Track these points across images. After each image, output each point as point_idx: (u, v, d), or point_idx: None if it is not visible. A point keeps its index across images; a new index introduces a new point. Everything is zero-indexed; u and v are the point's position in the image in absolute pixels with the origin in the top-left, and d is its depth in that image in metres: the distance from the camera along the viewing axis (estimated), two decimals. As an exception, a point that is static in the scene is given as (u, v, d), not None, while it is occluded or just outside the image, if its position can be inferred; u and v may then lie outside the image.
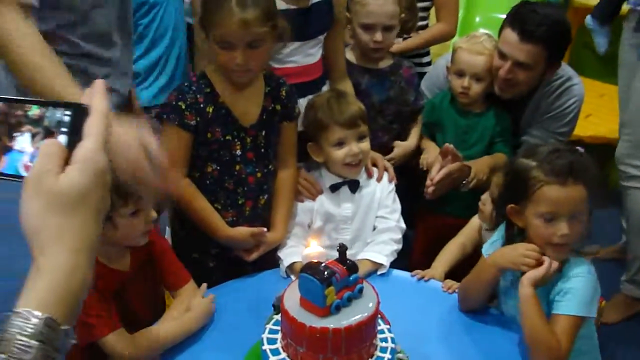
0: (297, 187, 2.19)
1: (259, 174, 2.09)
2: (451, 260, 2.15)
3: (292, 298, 1.60)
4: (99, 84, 0.79)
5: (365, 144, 2.16)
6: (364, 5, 2.43)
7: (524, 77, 2.41)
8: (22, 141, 0.79)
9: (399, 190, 2.31)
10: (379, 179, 2.26)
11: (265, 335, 1.59)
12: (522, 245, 1.73)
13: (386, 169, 2.30)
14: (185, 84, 2.01)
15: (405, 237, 2.25)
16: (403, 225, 2.24)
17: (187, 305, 1.84)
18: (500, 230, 1.86)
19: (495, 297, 1.92)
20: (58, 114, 0.78)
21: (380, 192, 2.24)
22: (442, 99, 2.63)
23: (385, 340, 1.60)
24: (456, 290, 1.97)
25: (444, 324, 1.89)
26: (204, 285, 1.92)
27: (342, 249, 1.63)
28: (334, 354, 1.50)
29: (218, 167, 2.03)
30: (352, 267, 1.62)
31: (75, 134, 0.75)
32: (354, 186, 2.20)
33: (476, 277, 1.86)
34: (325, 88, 2.38)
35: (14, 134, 0.79)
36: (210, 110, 1.97)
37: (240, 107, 2.02)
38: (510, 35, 2.38)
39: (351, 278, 1.60)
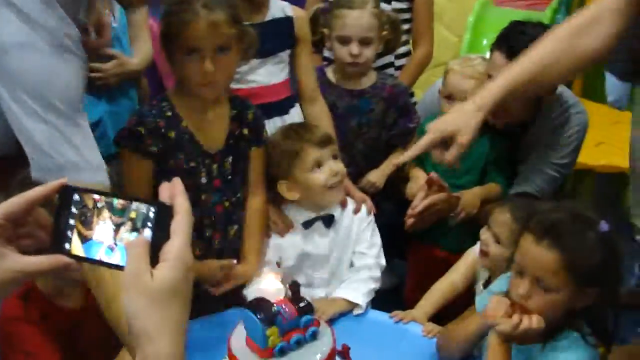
0: (267, 216, 2.06)
1: (226, 203, 1.95)
2: (439, 301, 1.99)
3: (241, 336, 1.50)
4: (178, 184, 0.87)
5: (341, 164, 2.04)
6: (341, 17, 2.36)
7: (516, 105, 2.20)
8: (102, 230, 0.86)
9: (388, 217, 2.18)
10: (356, 211, 2.11)
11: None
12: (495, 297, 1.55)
13: (364, 200, 2.15)
14: (145, 107, 1.89)
15: (399, 268, 2.10)
16: (383, 262, 2.10)
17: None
18: (501, 280, 1.66)
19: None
20: (143, 209, 0.84)
21: (358, 226, 2.10)
22: None
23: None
24: (436, 335, 1.80)
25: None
26: None
27: (295, 287, 1.51)
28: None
29: (182, 197, 1.90)
30: (305, 307, 1.49)
31: (160, 231, 0.83)
32: (329, 221, 2.06)
33: (462, 328, 1.69)
34: (294, 110, 2.27)
35: (95, 223, 0.87)
36: (173, 135, 1.85)
37: (204, 131, 1.90)
38: (499, 58, 2.22)
39: (303, 319, 1.47)
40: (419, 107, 2.63)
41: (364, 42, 2.37)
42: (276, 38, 2.15)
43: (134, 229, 0.85)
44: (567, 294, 1.45)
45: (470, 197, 2.27)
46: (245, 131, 1.96)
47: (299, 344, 1.46)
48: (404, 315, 1.92)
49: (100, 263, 0.88)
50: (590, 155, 2.85)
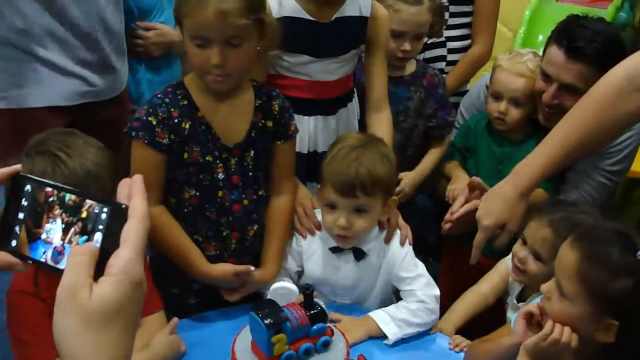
0: (293, 217, 1.91)
1: (245, 202, 1.81)
2: (468, 313, 1.86)
3: (246, 340, 1.40)
4: (138, 182, 0.77)
5: (362, 221, 1.77)
6: (397, 11, 2.19)
7: (571, 104, 2.04)
8: (51, 229, 0.78)
9: (423, 214, 2.01)
10: (387, 240, 1.88)
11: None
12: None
13: (399, 227, 1.91)
14: (158, 96, 1.74)
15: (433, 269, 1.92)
16: (436, 292, 1.82)
17: (148, 339, 1.59)
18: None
19: None
20: (96, 209, 0.76)
21: (393, 257, 1.85)
22: (477, 122, 2.35)
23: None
24: (464, 349, 1.66)
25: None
26: (175, 319, 1.68)
27: (309, 291, 1.37)
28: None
29: (197, 193, 1.77)
30: (318, 315, 1.35)
31: (111, 236, 0.74)
32: (359, 254, 1.85)
33: (492, 344, 1.54)
34: (343, 111, 2.10)
35: (44, 221, 0.79)
36: (187, 126, 1.71)
37: (222, 122, 1.75)
38: (556, 53, 2.07)
39: (314, 327, 1.35)
40: (464, 101, 2.48)
41: (417, 38, 2.25)
42: (338, 40, 1.97)
43: (84, 231, 0.76)
44: (583, 311, 1.32)
45: None
46: (270, 123, 1.81)
47: (308, 353, 1.34)
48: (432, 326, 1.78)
49: (46, 266, 0.79)
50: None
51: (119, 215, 0.74)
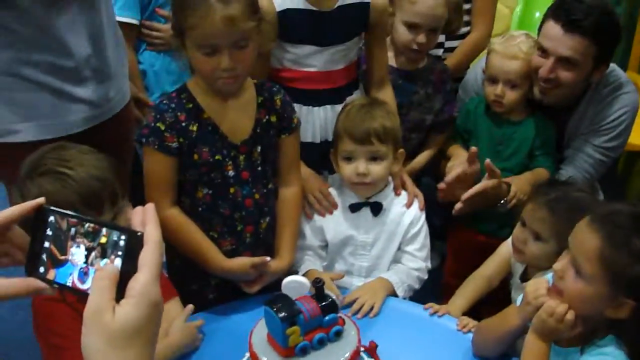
0: (302, 206, 2.00)
1: (257, 196, 1.88)
2: (474, 296, 1.93)
3: (262, 332, 1.44)
4: (150, 210, 0.83)
5: (379, 167, 1.95)
6: (413, 3, 2.20)
7: (567, 77, 2.13)
8: (75, 254, 0.85)
9: (427, 195, 2.10)
10: (409, 205, 2.04)
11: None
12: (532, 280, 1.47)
13: (416, 195, 2.06)
14: (164, 101, 1.80)
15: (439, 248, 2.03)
16: (429, 265, 2.05)
17: (166, 325, 1.66)
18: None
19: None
20: (114, 236, 0.83)
21: (409, 222, 2.02)
22: (477, 105, 2.39)
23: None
24: (472, 330, 1.71)
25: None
26: (190, 306, 1.75)
27: (319, 284, 1.44)
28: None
29: (210, 191, 1.83)
30: (330, 306, 1.42)
31: (129, 261, 0.80)
32: (377, 208, 1.99)
33: (499, 323, 1.60)
34: (349, 99, 2.14)
35: (69, 246, 0.85)
36: (195, 128, 1.77)
37: (228, 121, 1.81)
38: (553, 27, 2.12)
39: (326, 318, 1.40)
40: (463, 85, 2.52)
41: (433, 31, 2.26)
42: (342, 27, 2.03)
43: (104, 255, 0.83)
44: (599, 292, 1.35)
45: (522, 183, 2.17)
46: (274, 118, 1.88)
47: (322, 343, 1.39)
48: (439, 308, 1.84)
49: (72, 290, 0.86)
50: (644, 137, 2.67)
51: (135, 241, 0.81)
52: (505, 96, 2.24)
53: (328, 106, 2.11)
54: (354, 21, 2.04)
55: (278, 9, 1.94)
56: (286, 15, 1.94)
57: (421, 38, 2.23)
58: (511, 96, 2.24)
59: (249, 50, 1.71)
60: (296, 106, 2.00)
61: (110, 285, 0.78)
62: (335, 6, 1.99)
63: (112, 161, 1.55)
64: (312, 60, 2.04)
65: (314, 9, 1.97)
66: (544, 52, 2.15)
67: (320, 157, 2.11)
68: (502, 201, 2.15)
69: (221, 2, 1.63)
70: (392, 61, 2.32)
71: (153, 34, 2.48)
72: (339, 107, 2.10)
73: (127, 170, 2.13)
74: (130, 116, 2.18)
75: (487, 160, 2.09)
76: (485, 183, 2.09)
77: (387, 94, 2.19)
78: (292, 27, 1.95)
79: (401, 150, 2.01)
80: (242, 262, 1.84)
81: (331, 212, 2.04)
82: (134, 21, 2.43)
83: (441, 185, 2.15)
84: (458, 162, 2.24)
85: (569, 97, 2.23)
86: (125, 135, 2.10)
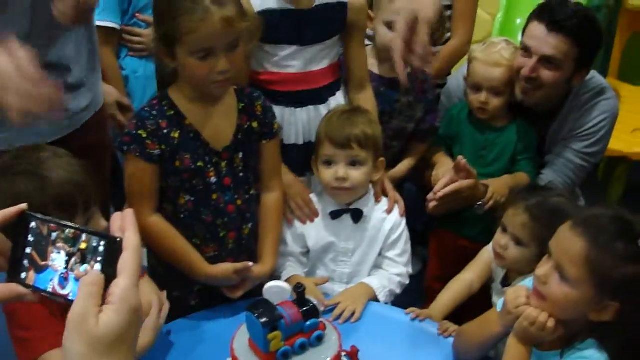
0: (284, 211, 2.01)
1: (239, 202, 1.88)
2: (455, 300, 1.93)
3: (244, 338, 1.44)
4: (129, 216, 0.84)
5: (358, 173, 1.96)
6: (392, 1, 2.18)
7: (549, 77, 2.17)
8: (55, 260, 0.85)
9: (410, 201, 2.12)
10: (389, 210, 2.05)
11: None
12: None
13: (397, 201, 2.08)
14: (145, 109, 1.79)
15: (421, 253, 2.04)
16: (410, 270, 2.05)
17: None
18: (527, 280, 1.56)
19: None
20: (94, 242, 0.83)
21: (390, 228, 2.03)
22: (460, 111, 2.41)
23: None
24: (452, 335, 1.73)
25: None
26: (166, 308, 1.71)
27: (300, 289, 1.44)
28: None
29: (192, 198, 1.83)
30: (311, 311, 1.42)
31: (109, 267, 0.81)
32: (357, 216, 2.00)
33: (480, 328, 1.61)
34: (333, 99, 2.16)
35: (49, 252, 0.86)
36: (177, 135, 1.77)
37: (210, 128, 1.81)
38: (537, 27, 2.17)
39: (308, 323, 1.41)
40: (445, 91, 2.53)
41: None
42: (322, 26, 2.04)
43: (84, 260, 0.84)
44: (584, 295, 1.35)
45: (500, 186, 2.18)
46: (255, 124, 1.88)
47: (303, 348, 1.40)
48: (420, 312, 1.85)
49: (53, 296, 0.86)
50: (625, 142, 2.71)
51: (114, 247, 0.81)
52: (489, 103, 2.26)
53: (311, 107, 2.11)
54: (332, 20, 2.06)
55: (257, 9, 1.94)
56: (266, 15, 1.94)
57: None
58: (495, 103, 2.26)
59: (239, 50, 1.72)
60: (279, 108, 2.02)
61: (97, 291, 0.79)
62: (314, 5, 2.00)
63: (88, 166, 1.55)
64: (293, 61, 2.04)
65: (292, 7, 1.98)
66: (527, 51, 2.19)
67: (304, 158, 2.11)
68: (479, 202, 2.16)
69: (217, 4, 1.64)
70: (374, 69, 2.33)
71: (134, 39, 2.49)
72: (322, 108, 2.11)
73: (105, 175, 2.12)
74: (105, 120, 2.16)
75: (461, 159, 2.10)
76: (460, 183, 2.11)
77: (367, 96, 2.20)
78: (272, 27, 1.95)
79: (382, 159, 2.02)
80: (225, 268, 1.84)
81: (312, 220, 2.05)
82: (115, 25, 2.43)
83: (430, 199, 2.13)
84: (443, 170, 2.25)
85: (550, 99, 2.26)
86: (100, 140, 2.09)
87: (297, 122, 2.10)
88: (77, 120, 1.96)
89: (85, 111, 1.98)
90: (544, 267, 1.41)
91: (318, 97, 2.12)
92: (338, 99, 2.18)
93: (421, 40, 1.60)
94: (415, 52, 1.61)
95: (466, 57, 2.44)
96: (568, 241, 1.37)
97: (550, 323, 1.38)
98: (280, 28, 1.98)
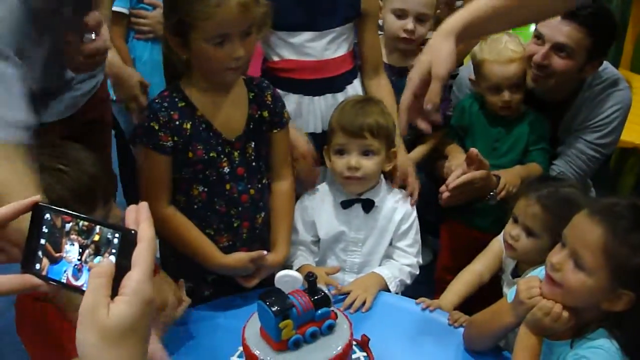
0: (294, 201, 2.03)
1: (252, 191, 1.89)
2: (465, 291, 1.94)
3: (255, 326, 1.45)
4: (144, 209, 0.85)
5: (370, 162, 1.97)
6: None
7: (560, 65, 2.17)
8: (69, 251, 0.86)
9: (422, 192, 2.12)
10: (408, 196, 2.08)
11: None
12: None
13: (413, 190, 2.10)
14: (156, 101, 1.80)
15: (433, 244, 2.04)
16: (421, 261, 2.06)
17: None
18: (538, 270, 1.57)
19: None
20: (108, 234, 0.84)
21: (400, 218, 2.04)
22: (472, 103, 2.40)
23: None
24: (463, 325, 1.73)
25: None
26: (187, 300, 1.73)
27: (312, 278, 1.45)
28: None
29: (206, 189, 1.84)
30: (322, 300, 1.43)
31: (123, 259, 0.82)
32: (368, 206, 2.01)
33: (491, 319, 1.61)
34: (351, 87, 2.18)
35: (63, 243, 0.86)
36: (189, 126, 1.78)
37: (221, 119, 1.82)
38: None
39: (319, 312, 1.42)
40: (457, 82, 2.54)
41: (420, 18, 2.30)
42: (336, 12, 2.06)
43: (97, 252, 0.84)
44: (599, 283, 1.35)
45: (511, 176, 2.18)
46: (265, 114, 1.89)
47: (314, 336, 1.41)
48: (430, 303, 1.85)
49: (66, 286, 0.87)
50: (638, 133, 2.70)
51: (129, 240, 0.82)
52: (513, 100, 2.26)
53: (329, 95, 2.14)
54: (345, 4, 2.08)
55: None
56: (277, 1, 1.95)
57: (409, 25, 2.28)
58: (517, 98, 2.27)
59: (253, 38, 1.73)
60: (296, 96, 2.06)
61: (106, 282, 0.79)
62: None
63: (104, 160, 1.57)
64: (310, 48, 2.07)
65: None
66: (539, 38, 2.20)
67: (322, 147, 2.12)
68: (491, 193, 2.17)
69: None
70: (385, 58, 2.34)
71: (140, 21, 2.50)
72: (339, 96, 2.14)
73: (108, 155, 2.14)
74: (104, 96, 2.16)
75: (473, 149, 2.10)
76: (473, 173, 2.11)
77: (382, 82, 2.22)
78: (285, 12, 1.96)
79: (394, 149, 2.03)
80: (239, 257, 1.86)
81: (314, 179, 2.10)
82: (124, 10, 2.45)
83: (443, 191, 2.13)
84: (455, 162, 2.25)
85: (561, 89, 2.27)
86: (101, 116, 2.11)
87: (315, 111, 2.13)
88: (83, 99, 1.98)
89: (93, 89, 2.00)
90: (558, 255, 1.41)
91: (336, 85, 2.15)
92: (356, 87, 2.20)
93: (429, 99, 1.55)
94: (422, 108, 1.58)
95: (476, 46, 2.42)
96: (585, 228, 1.37)
97: (565, 314, 1.38)
98: (293, 13, 2.00)
